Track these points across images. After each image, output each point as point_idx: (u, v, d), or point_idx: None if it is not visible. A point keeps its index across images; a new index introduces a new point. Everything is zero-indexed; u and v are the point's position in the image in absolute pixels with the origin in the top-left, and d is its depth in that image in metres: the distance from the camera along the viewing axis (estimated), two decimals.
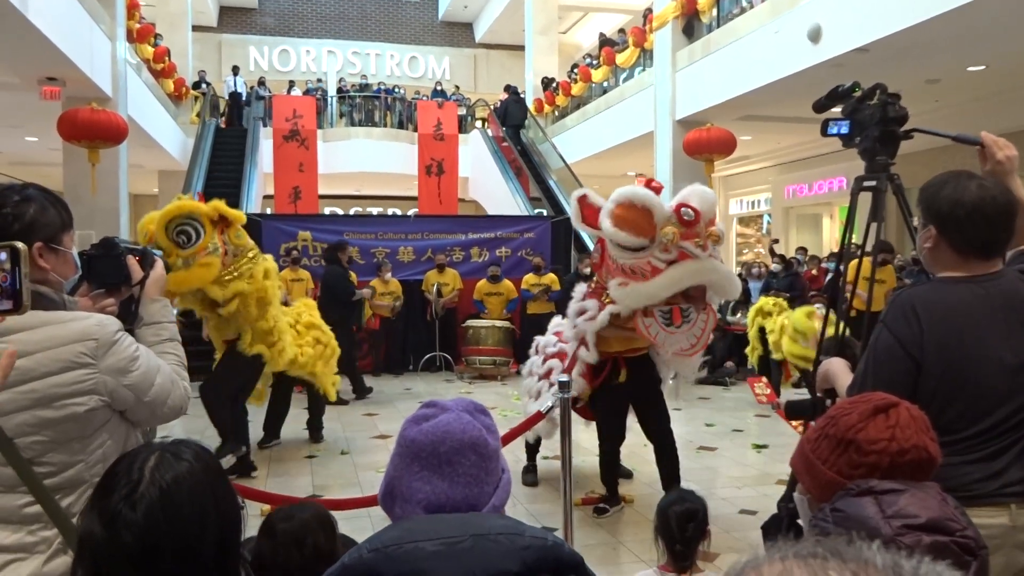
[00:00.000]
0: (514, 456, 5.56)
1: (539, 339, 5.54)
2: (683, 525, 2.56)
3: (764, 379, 7.34)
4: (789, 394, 7.85)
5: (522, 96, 19.74)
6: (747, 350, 9.05)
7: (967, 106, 11.37)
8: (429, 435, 1.26)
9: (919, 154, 11.22)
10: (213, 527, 1.25)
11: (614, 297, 4.09)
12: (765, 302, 8.68)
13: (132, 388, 1.73)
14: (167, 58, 16.12)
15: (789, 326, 7.91)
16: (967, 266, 1.91)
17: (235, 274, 5.24)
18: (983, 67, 9.80)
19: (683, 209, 3.90)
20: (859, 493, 1.30)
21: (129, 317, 1.94)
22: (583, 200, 4.27)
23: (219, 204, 5.23)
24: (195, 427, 7.01)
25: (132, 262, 2.00)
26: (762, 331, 8.48)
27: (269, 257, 5.82)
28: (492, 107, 20.36)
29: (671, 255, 3.91)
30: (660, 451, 4.81)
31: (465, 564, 1.11)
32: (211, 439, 6.43)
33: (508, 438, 3.53)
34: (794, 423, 4.27)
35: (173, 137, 16.79)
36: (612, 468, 4.95)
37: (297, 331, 6.24)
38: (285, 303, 7.14)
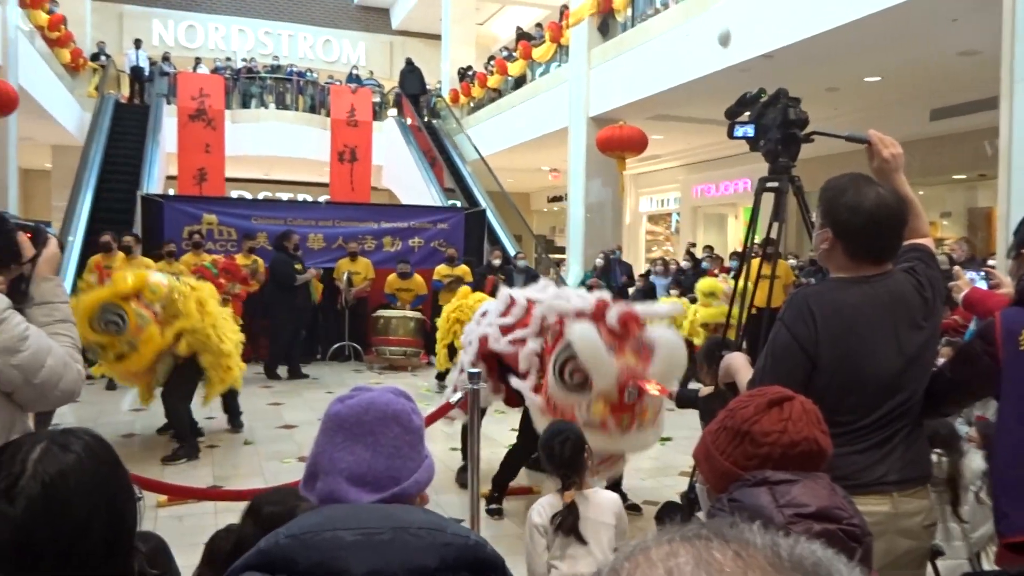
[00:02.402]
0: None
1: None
2: (560, 449, 2.86)
3: None
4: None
5: (416, 67, 19.62)
6: None
7: (863, 115, 11.91)
8: (354, 408, 1.26)
9: (819, 159, 11.70)
10: (100, 524, 1.18)
11: (530, 407, 4.00)
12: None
13: (20, 368, 1.64)
14: (63, 26, 15.29)
15: (696, 306, 8.30)
16: (859, 268, 2.01)
17: (175, 324, 5.46)
18: (878, 78, 10.30)
19: (629, 390, 3.64)
20: (755, 483, 1.36)
21: (18, 296, 1.85)
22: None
23: (116, 285, 5.38)
24: (87, 415, 6.73)
25: (23, 239, 1.90)
26: None
27: (198, 286, 5.97)
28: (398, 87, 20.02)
29: (595, 420, 3.69)
30: None
31: (383, 556, 1.09)
32: (104, 426, 6.18)
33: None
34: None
35: (69, 110, 15.96)
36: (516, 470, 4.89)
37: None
38: None
